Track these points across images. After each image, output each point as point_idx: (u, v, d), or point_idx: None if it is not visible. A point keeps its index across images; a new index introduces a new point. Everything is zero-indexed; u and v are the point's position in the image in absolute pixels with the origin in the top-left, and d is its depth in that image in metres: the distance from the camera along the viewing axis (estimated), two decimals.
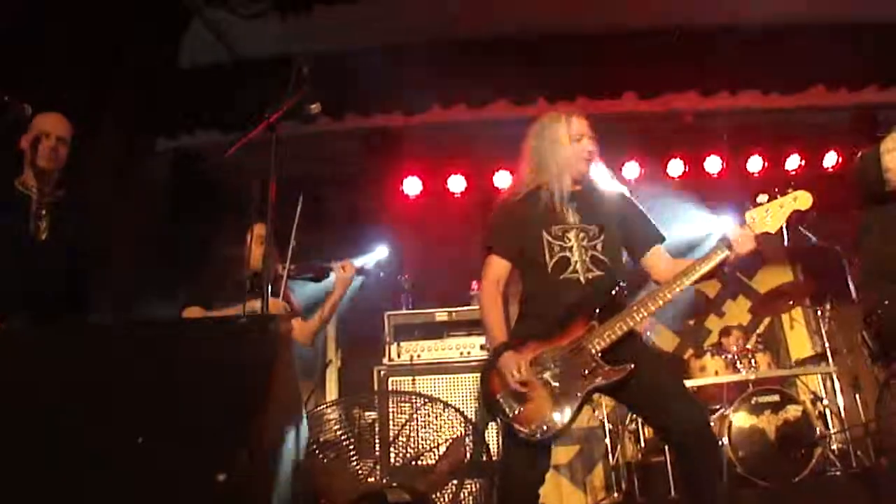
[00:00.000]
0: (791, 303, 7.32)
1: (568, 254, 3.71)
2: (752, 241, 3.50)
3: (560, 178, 3.81)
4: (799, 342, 8.31)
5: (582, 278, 3.67)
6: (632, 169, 8.06)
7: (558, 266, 3.70)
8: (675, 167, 8.14)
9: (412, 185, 8.17)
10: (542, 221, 3.78)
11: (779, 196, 3.54)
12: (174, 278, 5.96)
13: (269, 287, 3.61)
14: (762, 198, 3.56)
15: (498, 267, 3.88)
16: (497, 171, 7.91)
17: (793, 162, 8.12)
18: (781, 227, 3.53)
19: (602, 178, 3.95)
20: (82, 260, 4.26)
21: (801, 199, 3.53)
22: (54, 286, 4.10)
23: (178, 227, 7.10)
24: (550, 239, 3.75)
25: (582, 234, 3.75)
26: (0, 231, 4.02)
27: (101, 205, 4.60)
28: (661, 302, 3.55)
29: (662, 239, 3.87)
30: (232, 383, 2.17)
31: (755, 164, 8.15)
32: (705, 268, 3.53)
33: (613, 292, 3.63)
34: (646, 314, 3.56)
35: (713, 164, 8.15)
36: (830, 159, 8.07)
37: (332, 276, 4.91)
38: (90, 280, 4.34)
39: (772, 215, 3.52)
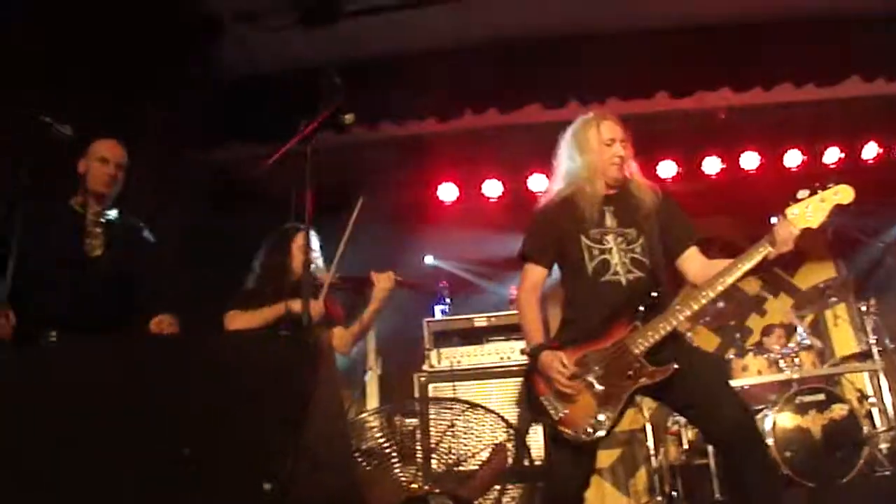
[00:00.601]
0: (835, 299, 7.23)
1: (608, 256, 3.70)
2: (793, 237, 3.46)
3: (590, 184, 3.81)
4: (843, 339, 8.19)
5: (623, 280, 3.66)
6: (667, 168, 8.00)
7: (599, 269, 3.70)
8: (712, 165, 8.07)
9: (448, 192, 8.18)
10: (579, 226, 3.78)
11: (819, 191, 3.49)
12: (218, 290, 6.02)
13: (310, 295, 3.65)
14: (802, 193, 3.51)
15: (534, 274, 3.89)
16: (532, 174, 7.88)
17: (831, 155, 7.98)
18: (823, 223, 3.49)
19: (638, 179, 3.92)
20: (135, 277, 4.34)
21: (843, 193, 3.48)
22: (105, 303, 4.19)
23: (216, 240, 7.15)
24: (589, 243, 3.74)
25: (620, 238, 3.75)
26: (53, 247, 4.13)
27: (148, 221, 4.67)
28: (703, 301, 3.53)
29: (696, 239, 3.85)
30: (276, 393, 2.19)
31: (793, 158, 8.02)
32: (747, 266, 3.50)
33: (655, 293, 3.61)
34: (688, 314, 3.54)
35: (750, 161, 8.05)
36: (870, 151, 7.95)
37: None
38: (141, 297, 4.40)
39: (813, 210, 3.47)
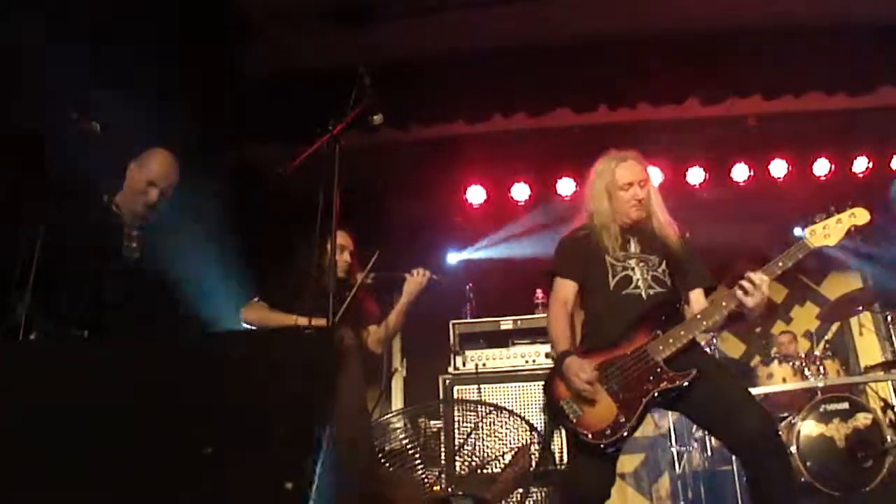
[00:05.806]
0: (860, 308, 7.20)
1: (630, 272, 3.83)
2: (763, 297, 3.53)
3: (610, 226, 3.93)
4: (869, 348, 8.14)
5: (643, 294, 3.76)
6: (696, 174, 7.97)
7: (621, 283, 3.81)
8: (740, 172, 8.03)
9: (476, 194, 8.20)
10: (604, 251, 3.89)
11: (836, 213, 3.65)
12: (245, 290, 6.07)
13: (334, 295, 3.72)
14: (819, 216, 3.69)
15: (564, 288, 3.99)
16: (560, 178, 7.88)
17: (860, 164, 7.89)
18: (840, 241, 3.63)
19: (662, 218, 4.00)
20: (173, 281, 4.32)
21: (860, 215, 3.65)
22: (144, 306, 4.19)
23: (244, 239, 7.20)
24: (613, 261, 3.87)
25: (642, 263, 3.88)
26: (90, 248, 4.00)
27: (185, 223, 4.67)
28: (725, 312, 3.59)
29: (707, 284, 3.93)
30: (298, 392, 2.20)
31: (822, 167, 7.94)
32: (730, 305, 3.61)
33: (675, 307, 3.70)
34: (709, 324, 3.62)
35: (778, 169, 8.01)
36: None
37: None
38: (180, 301, 4.41)
39: (830, 230, 3.64)
